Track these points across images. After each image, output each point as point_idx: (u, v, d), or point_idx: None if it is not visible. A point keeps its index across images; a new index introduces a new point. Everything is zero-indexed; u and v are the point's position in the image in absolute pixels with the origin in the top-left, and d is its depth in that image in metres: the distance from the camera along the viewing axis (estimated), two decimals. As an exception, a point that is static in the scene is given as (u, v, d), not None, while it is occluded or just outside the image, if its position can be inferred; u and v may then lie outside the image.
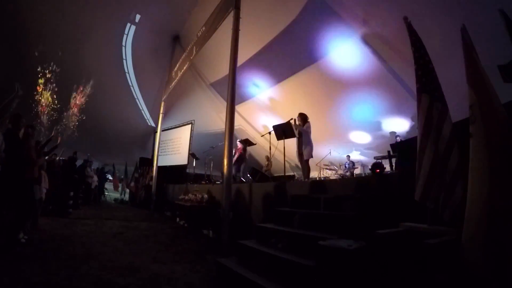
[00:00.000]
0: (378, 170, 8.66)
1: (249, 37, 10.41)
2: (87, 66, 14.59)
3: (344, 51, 10.23)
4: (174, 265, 4.59)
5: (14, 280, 3.43)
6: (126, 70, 16.66)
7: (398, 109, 10.81)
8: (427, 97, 3.11)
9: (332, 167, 13.06)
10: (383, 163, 9.56)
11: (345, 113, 11.97)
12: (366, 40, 9.56)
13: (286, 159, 7.85)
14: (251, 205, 6.73)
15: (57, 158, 9.30)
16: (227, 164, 5.85)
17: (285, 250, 3.98)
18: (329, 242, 3.12)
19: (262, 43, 11.73)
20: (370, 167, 9.80)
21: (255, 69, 12.72)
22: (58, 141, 6.51)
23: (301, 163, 7.79)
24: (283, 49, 11.41)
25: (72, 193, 9.56)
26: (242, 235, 5.09)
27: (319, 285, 3.01)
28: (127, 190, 19.70)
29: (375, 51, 9.62)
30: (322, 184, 5.77)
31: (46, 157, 6.88)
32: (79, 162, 12.16)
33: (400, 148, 6.97)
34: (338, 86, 11.23)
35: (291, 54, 11.41)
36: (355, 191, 4.63)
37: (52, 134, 5.98)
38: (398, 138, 10.67)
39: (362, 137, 12.76)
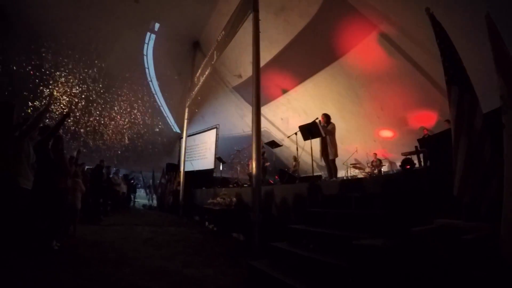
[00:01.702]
0: (408, 166, 8.39)
1: (268, 39, 10.34)
2: (111, 77, 14.99)
3: (366, 47, 9.95)
4: (205, 268, 4.52)
5: (49, 286, 3.43)
6: (149, 79, 17.00)
7: (423, 103, 10.42)
8: (456, 89, 2.99)
9: (359, 165, 12.75)
10: (412, 158, 9.31)
11: (370, 110, 11.65)
12: (387, 34, 9.29)
13: (313, 159, 7.68)
14: (280, 206, 6.59)
15: (85, 168, 9.48)
16: (256, 167, 5.73)
17: (318, 251, 3.86)
18: (363, 242, 3.01)
19: (282, 44, 11.63)
20: (399, 164, 9.52)
21: (277, 71, 12.60)
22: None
23: (326, 163, 7.67)
24: (303, 49, 11.24)
25: (101, 200, 9.71)
26: (272, 237, 4.95)
27: (353, 286, 2.90)
28: (155, 196, 19.97)
29: (397, 45, 9.33)
30: (352, 183, 5.58)
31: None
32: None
33: (429, 142, 6.68)
34: (362, 83, 10.95)
35: (312, 53, 11.23)
36: (386, 188, 4.47)
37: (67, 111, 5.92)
38: (425, 132, 10.28)
39: (388, 133, 12.40)
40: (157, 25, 14.53)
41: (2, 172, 3.55)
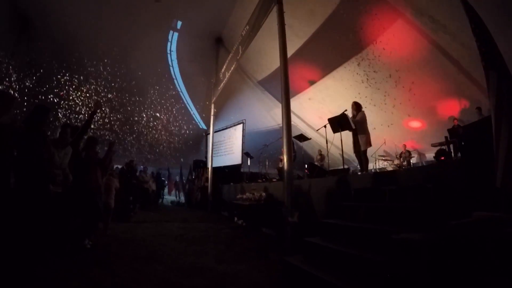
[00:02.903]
0: (443, 158, 8.03)
1: (293, 30, 10.10)
2: (137, 77, 15.25)
3: (392, 36, 9.54)
4: (237, 264, 4.43)
5: (83, 284, 3.43)
6: (173, 76, 17.14)
7: (453, 92, 9.97)
8: (495, 75, 2.79)
9: (387, 157, 12.35)
10: (446, 149, 8.90)
11: (398, 100, 11.22)
12: (414, 22, 8.86)
13: (340, 152, 7.45)
14: (311, 201, 6.41)
15: (114, 167, 9.61)
16: (287, 161, 5.55)
17: (352, 245, 3.70)
18: (402, 236, 2.85)
19: (306, 35, 11.34)
20: (429, 155, 9.15)
21: (302, 63, 12.33)
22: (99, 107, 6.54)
23: (357, 155, 7.39)
24: (328, 40, 10.92)
25: (131, 198, 9.82)
26: (304, 232, 4.83)
27: (392, 281, 2.76)
28: (183, 192, 20.17)
29: (424, 32, 8.90)
30: (385, 175, 5.31)
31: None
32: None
33: (465, 132, 6.32)
34: (389, 72, 10.53)
35: (337, 44, 10.88)
36: (420, 181, 4.23)
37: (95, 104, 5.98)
38: (456, 123, 9.83)
39: (417, 124, 11.94)
40: (179, 23, 14.62)
41: (36, 177, 3.55)
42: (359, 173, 6.99)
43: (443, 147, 9.20)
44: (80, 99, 15.29)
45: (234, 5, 13.15)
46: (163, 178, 19.10)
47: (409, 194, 3.97)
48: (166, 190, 21.49)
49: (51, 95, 14.72)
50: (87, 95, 15.22)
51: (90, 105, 14.94)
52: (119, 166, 11.86)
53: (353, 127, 7.07)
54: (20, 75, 13.90)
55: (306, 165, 10.74)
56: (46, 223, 3.77)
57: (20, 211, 3.21)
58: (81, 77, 14.91)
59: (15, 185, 3.28)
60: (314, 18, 10.62)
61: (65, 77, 14.79)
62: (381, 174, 5.56)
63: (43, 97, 14.49)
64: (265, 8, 7.62)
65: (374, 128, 9.06)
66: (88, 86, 15.08)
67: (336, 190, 5.68)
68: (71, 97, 15.25)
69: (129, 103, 16.61)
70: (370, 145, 7.17)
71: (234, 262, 4.57)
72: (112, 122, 16.48)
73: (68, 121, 14.04)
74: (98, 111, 5.42)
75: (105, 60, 14.50)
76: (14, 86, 13.70)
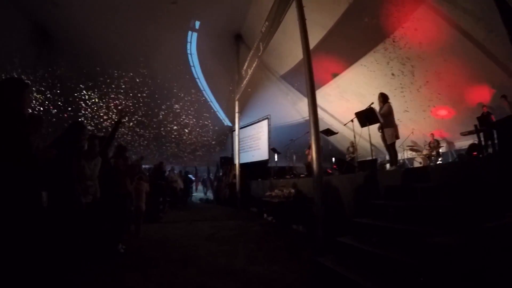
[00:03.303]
0: (475, 153, 7.66)
1: (313, 22, 9.90)
2: (160, 80, 15.52)
3: (416, 22, 9.14)
4: (270, 265, 4.40)
5: (120, 290, 3.49)
6: (196, 76, 17.27)
7: (480, 78, 9.47)
8: None
9: (416, 147, 11.99)
10: (471, 138, 8.50)
11: (425, 88, 10.80)
12: (437, 7, 8.47)
13: (368, 143, 7.28)
14: (340, 198, 6.30)
15: (143, 167, 9.80)
16: (316, 158, 5.42)
17: (384, 246, 3.59)
18: (435, 240, 2.73)
19: (327, 26, 11.07)
20: (458, 143, 8.74)
21: (324, 55, 12.07)
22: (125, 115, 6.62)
23: (386, 148, 7.18)
24: (351, 29, 10.61)
25: (161, 199, 9.99)
26: (334, 231, 4.76)
27: (424, 285, 2.66)
28: (211, 189, 20.39)
29: (448, 17, 8.49)
30: (416, 171, 5.13)
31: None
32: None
33: (497, 126, 5.95)
34: (414, 60, 10.13)
35: (359, 34, 10.55)
36: (453, 178, 4.07)
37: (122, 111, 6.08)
38: (485, 110, 9.38)
39: (445, 112, 11.47)
40: (197, 23, 14.67)
41: (68, 193, 3.63)
42: (389, 169, 6.78)
43: (474, 141, 8.81)
44: (104, 108, 15.71)
45: (251, 2, 13.06)
46: (190, 175, 19.33)
47: (441, 192, 3.82)
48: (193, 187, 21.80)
49: (74, 105, 15.23)
50: (111, 103, 15.61)
51: (114, 116, 15.34)
52: (147, 167, 12.11)
53: (381, 121, 6.86)
54: (42, 86, 14.42)
55: (333, 159, 10.61)
56: (79, 234, 3.86)
57: (54, 226, 3.29)
58: (103, 86, 15.30)
59: (48, 202, 3.36)
60: (334, 8, 10.36)
61: (88, 85, 15.23)
62: (412, 170, 5.39)
63: (69, 109, 15.01)
64: (284, 3, 7.47)
65: (399, 119, 8.78)
66: (111, 94, 15.46)
67: (366, 187, 5.56)
68: (94, 107, 15.72)
69: (153, 106, 16.91)
70: (398, 138, 6.95)
71: (266, 262, 4.55)
72: (135, 126, 16.88)
73: (95, 131, 14.51)
74: (123, 119, 5.49)
75: (127, 67, 14.80)
76: (38, 97, 14.24)
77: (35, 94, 14.04)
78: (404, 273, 2.94)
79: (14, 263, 2.53)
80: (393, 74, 10.99)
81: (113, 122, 5.52)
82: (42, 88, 14.45)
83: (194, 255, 5.04)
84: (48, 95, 14.62)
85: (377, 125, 7.06)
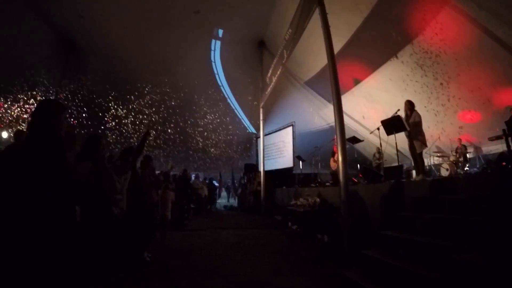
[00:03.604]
0: (504, 163, 7.31)
1: (335, 28, 9.81)
2: (185, 89, 15.81)
3: (439, 25, 8.85)
4: (294, 277, 4.33)
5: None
6: (220, 84, 17.46)
7: (507, 80, 9.05)
8: None
9: (442, 153, 11.59)
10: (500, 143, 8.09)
11: (450, 92, 10.42)
12: (461, 8, 8.20)
13: (394, 150, 7.11)
14: (366, 208, 6.16)
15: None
16: (342, 168, 5.31)
17: (410, 261, 3.46)
18: (463, 257, 2.63)
19: (350, 31, 10.93)
20: (491, 149, 8.26)
21: (348, 61, 11.92)
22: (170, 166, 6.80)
23: (413, 157, 6.99)
24: (374, 34, 10.42)
25: (186, 207, 10.07)
26: (359, 243, 4.66)
27: None
28: (235, 197, 20.42)
29: (473, 18, 8.19)
30: (443, 182, 4.90)
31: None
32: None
33: None
34: (439, 63, 9.80)
35: (382, 39, 10.35)
36: (481, 189, 3.90)
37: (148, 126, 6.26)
38: None
39: (472, 116, 11.02)
40: (220, 31, 14.87)
41: (99, 202, 3.71)
42: (416, 178, 6.54)
43: (504, 150, 8.39)
44: (131, 118, 16.15)
45: (274, 9, 13.08)
46: (214, 181, 19.47)
47: (470, 204, 3.65)
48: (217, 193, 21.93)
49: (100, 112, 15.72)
50: (138, 114, 16.04)
51: (141, 129, 15.76)
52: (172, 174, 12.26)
53: (408, 129, 6.69)
54: (69, 97, 14.97)
55: (358, 166, 10.40)
56: (108, 244, 3.93)
57: (87, 238, 3.37)
58: (129, 96, 15.75)
59: (81, 216, 3.45)
60: (357, 14, 10.23)
61: (114, 96, 15.70)
62: (439, 181, 5.15)
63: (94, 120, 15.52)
64: (307, 10, 7.42)
65: (428, 127, 8.52)
66: (137, 104, 15.87)
67: (392, 198, 5.41)
68: (123, 120, 16.17)
69: (178, 113, 17.21)
70: (426, 146, 6.77)
71: (290, 274, 4.48)
72: (164, 135, 17.24)
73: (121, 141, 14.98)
74: (151, 131, 5.59)
75: (152, 76, 15.18)
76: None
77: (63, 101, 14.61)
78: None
79: (52, 270, 2.61)
80: (417, 79, 10.70)
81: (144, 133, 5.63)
82: (69, 96, 14.99)
83: (220, 265, 5.03)
84: (74, 105, 15.15)
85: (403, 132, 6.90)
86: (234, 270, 4.75)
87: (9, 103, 13.65)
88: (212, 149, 19.99)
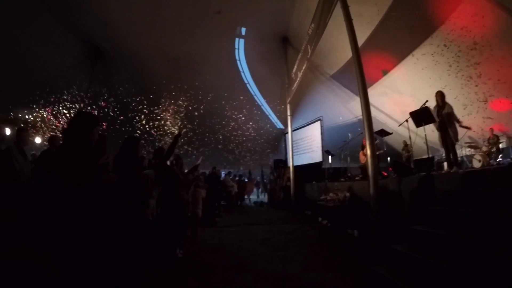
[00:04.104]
0: None
1: (359, 19, 9.60)
2: (213, 89, 16.06)
3: (467, 8, 8.44)
4: (324, 272, 4.36)
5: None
6: (246, 81, 17.55)
7: None
8: None
9: (474, 144, 11.13)
10: None
11: (481, 80, 9.94)
12: None
13: (424, 141, 6.93)
14: (396, 203, 6.06)
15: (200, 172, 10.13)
16: (371, 162, 5.24)
17: (441, 256, 3.38)
18: (493, 252, 2.58)
19: (374, 21, 10.65)
20: None
21: (373, 52, 11.63)
22: (200, 161, 6.95)
23: (445, 149, 6.84)
24: (399, 22, 10.09)
25: (216, 204, 10.25)
26: (389, 237, 4.61)
27: None
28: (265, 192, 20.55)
29: (500, 2, 7.77)
30: (476, 174, 4.70)
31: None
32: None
33: None
34: (468, 51, 9.32)
35: (408, 26, 10.00)
36: None
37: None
38: None
39: (504, 104, 10.47)
40: (243, 30, 14.93)
41: (134, 205, 3.89)
42: (449, 171, 6.36)
43: None
44: (159, 121, 16.58)
45: (295, 4, 13.00)
46: (243, 178, 19.65)
47: (502, 198, 3.51)
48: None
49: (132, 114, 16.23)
50: (167, 116, 16.43)
51: (168, 128, 16.17)
52: (206, 172, 12.50)
53: (437, 120, 6.51)
54: (99, 102, 15.55)
55: (388, 159, 10.21)
56: (143, 243, 4.11)
57: (125, 235, 3.55)
58: (157, 99, 16.15)
59: (121, 214, 3.63)
60: (380, 2, 9.98)
61: (141, 99, 16.16)
62: (471, 173, 4.94)
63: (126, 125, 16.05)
64: (328, 4, 7.31)
65: (458, 114, 8.18)
66: (166, 105, 16.26)
67: (423, 192, 5.30)
68: (151, 122, 16.64)
69: (206, 114, 17.50)
70: (458, 140, 6.62)
71: (320, 269, 4.51)
72: (195, 135, 17.59)
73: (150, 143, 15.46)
74: (182, 133, 5.73)
75: (179, 78, 15.51)
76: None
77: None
78: (462, 286, 2.76)
79: (97, 264, 2.83)
80: (445, 68, 10.29)
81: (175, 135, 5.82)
82: (101, 103, 15.57)
83: (250, 261, 5.11)
84: (104, 109, 15.72)
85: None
86: (264, 265, 4.82)
87: (41, 110, 14.31)
88: (241, 146, 20.17)
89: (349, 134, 12.13)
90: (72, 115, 11.76)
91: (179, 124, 13.30)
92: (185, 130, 15.70)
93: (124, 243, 3.57)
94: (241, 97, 17.72)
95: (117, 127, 15.92)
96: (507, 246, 2.60)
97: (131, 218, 3.72)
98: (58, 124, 14.50)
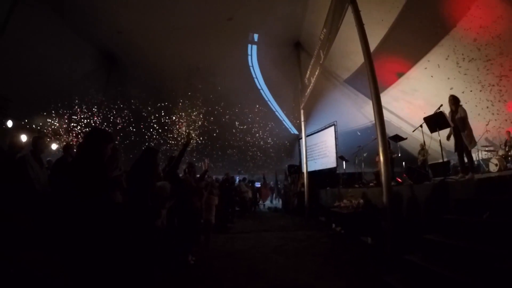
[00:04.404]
0: None
1: (372, 22, 9.52)
2: (226, 96, 16.19)
3: (481, 6, 8.27)
4: (336, 280, 4.32)
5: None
6: (259, 87, 17.63)
7: None
8: None
9: (491, 147, 10.87)
10: None
11: (497, 82, 9.68)
12: None
13: (442, 146, 6.81)
14: (410, 210, 5.98)
15: (214, 178, 10.16)
16: (385, 170, 5.18)
17: (453, 267, 3.30)
18: (505, 265, 2.54)
19: (387, 25, 10.56)
20: None
21: (387, 55, 11.51)
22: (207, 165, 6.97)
23: (459, 155, 6.67)
24: (413, 24, 9.94)
25: (230, 210, 10.25)
26: (403, 246, 4.55)
27: None
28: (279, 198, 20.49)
29: None
30: (491, 182, 4.56)
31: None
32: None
33: None
34: (483, 52, 9.06)
35: (422, 28, 9.88)
36: None
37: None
38: None
39: None
40: (255, 36, 15.01)
41: (145, 215, 3.95)
42: (463, 180, 6.21)
43: None
44: (171, 128, 16.77)
45: (306, 9, 13.01)
46: (256, 183, 19.66)
47: None
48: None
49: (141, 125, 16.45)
50: (180, 121, 16.60)
51: (180, 136, 16.33)
52: (219, 177, 12.56)
53: (452, 125, 6.41)
54: (114, 110, 15.83)
55: (403, 164, 10.08)
56: (154, 251, 4.15)
57: (135, 245, 3.61)
58: (171, 105, 16.34)
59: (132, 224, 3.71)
60: (393, 4, 9.87)
61: (155, 107, 16.39)
62: (486, 180, 4.79)
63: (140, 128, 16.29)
64: (339, 9, 7.30)
65: (474, 116, 7.93)
66: (179, 113, 16.44)
67: (436, 200, 5.21)
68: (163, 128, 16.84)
69: (221, 119, 17.60)
70: (475, 143, 6.46)
71: (332, 277, 4.45)
72: (209, 140, 17.74)
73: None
74: (191, 141, 5.77)
75: (191, 85, 15.71)
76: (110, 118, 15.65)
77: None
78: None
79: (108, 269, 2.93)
80: (460, 70, 10.04)
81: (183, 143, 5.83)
82: (114, 108, 15.86)
83: (262, 268, 5.09)
84: (117, 116, 16.00)
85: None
86: (276, 273, 4.79)
87: (57, 117, 14.63)
88: (256, 152, 20.21)
89: (358, 133, 11.99)
90: (88, 130, 12.01)
91: (186, 133, 13.44)
92: (193, 138, 15.80)
93: (134, 252, 3.62)
94: (255, 103, 17.78)
95: (132, 138, 16.18)
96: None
97: (141, 227, 3.76)
98: (73, 132, 14.83)
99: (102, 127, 14.90)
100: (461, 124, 6.37)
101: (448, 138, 6.79)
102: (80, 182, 2.87)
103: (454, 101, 6.67)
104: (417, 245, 4.27)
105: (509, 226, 3.19)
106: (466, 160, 6.54)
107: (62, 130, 14.60)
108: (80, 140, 14.17)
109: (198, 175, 6.35)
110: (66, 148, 5.99)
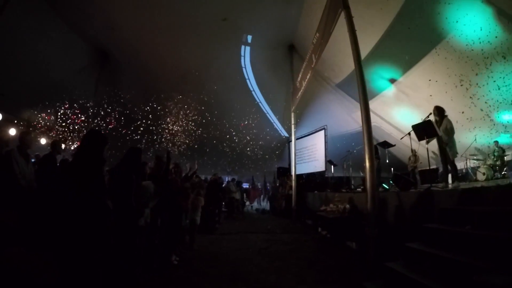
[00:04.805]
0: None
1: (366, 27, 9.57)
2: (218, 96, 16.18)
3: (473, 19, 8.40)
4: (317, 286, 4.32)
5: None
6: (251, 89, 17.63)
7: None
8: None
9: (479, 156, 11.04)
10: None
11: (488, 91, 9.82)
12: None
13: (428, 153, 6.92)
14: (394, 217, 6.00)
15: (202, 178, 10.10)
16: (370, 177, 5.19)
17: (434, 277, 3.28)
18: (482, 278, 2.53)
19: (379, 32, 10.65)
20: None
21: (379, 62, 11.65)
22: (196, 166, 6.96)
23: (444, 164, 6.80)
24: (404, 33, 10.07)
25: (216, 211, 10.21)
26: (386, 253, 4.54)
27: None
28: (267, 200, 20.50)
29: (503, 12, 7.71)
30: (476, 192, 4.58)
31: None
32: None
33: None
34: (475, 60, 9.23)
35: (414, 37, 9.97)
36: None
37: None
38: None
39: (510, 117, 10.33)
40: (249, 37, 15.01)
41: (128, 213, 3.91)
42: (447, 189, 6.25)
43: None
44: (163, 126, 16.67)
45: (301, 13, 13.06)
46: (243, 185, 19.64)
47: (501, 218, 3.40)
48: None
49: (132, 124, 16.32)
50: (170, 122, 16.52)
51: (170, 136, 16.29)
52: (207, 177, 12.52)
53: (439, 134, 6.47)
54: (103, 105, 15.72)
55: (392, 170, 10.15)
56: (136, 250, 4.12)
57: (117, 242, 3.59)
58: (162, 105, 16.25)
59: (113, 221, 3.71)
60: (386, 12, 9.94)
61: (147, 105, 16.29)
62: (472, 190, 4.81)
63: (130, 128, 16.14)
64: (332, 14, 7.26)
65: (463, 125, 8.02)
66: (170, 113, 16.35)
67: (421, 208, 5.23)
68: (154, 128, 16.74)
69: (211, 120, 17.55)
70: (457, 155, 6.56)
71: (315, 282, 4.44)
72: (199, 140, 17.66)
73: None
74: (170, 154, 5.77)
75: (182, 84, 15.64)
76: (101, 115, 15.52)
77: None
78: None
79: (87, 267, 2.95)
80: (451, 78, 10.15)
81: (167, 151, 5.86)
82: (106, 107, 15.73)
83: (245, 271, 5.07)
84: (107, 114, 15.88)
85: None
86: (258, 276, 4.78)
87: (47, 112, 14.43)
88: (245, 153, 20.17)
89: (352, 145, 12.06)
90: (85, 132, 11.92)
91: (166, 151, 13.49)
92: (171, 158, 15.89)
93: (116, 250, 3.59)
94: (246, 104, 17.75)
95: (123, 134, 16.05)
96: (498, 272, 2.53)
97: (123, 226, 3.73)
98: (63, 127, 14.68)
99: (94, 126, 14.90)
100: (445, 136, 6.44)
101: (427, 142, 6.86)
102: (80, 182, 2.98)
103: (438, 111, 6.73)
104: (400, 252, 4.28)
105: (489, 239, 3.19)
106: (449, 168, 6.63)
107: (51, 125, 14.42)
108: (70, 136, 14.14)
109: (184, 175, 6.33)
110: (53, 145, 6.00)
